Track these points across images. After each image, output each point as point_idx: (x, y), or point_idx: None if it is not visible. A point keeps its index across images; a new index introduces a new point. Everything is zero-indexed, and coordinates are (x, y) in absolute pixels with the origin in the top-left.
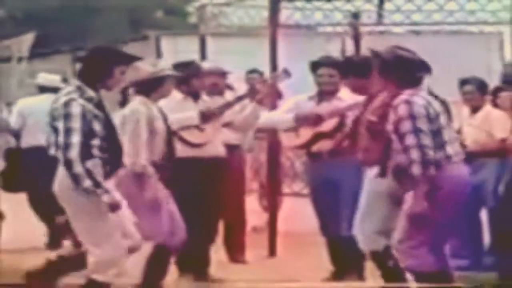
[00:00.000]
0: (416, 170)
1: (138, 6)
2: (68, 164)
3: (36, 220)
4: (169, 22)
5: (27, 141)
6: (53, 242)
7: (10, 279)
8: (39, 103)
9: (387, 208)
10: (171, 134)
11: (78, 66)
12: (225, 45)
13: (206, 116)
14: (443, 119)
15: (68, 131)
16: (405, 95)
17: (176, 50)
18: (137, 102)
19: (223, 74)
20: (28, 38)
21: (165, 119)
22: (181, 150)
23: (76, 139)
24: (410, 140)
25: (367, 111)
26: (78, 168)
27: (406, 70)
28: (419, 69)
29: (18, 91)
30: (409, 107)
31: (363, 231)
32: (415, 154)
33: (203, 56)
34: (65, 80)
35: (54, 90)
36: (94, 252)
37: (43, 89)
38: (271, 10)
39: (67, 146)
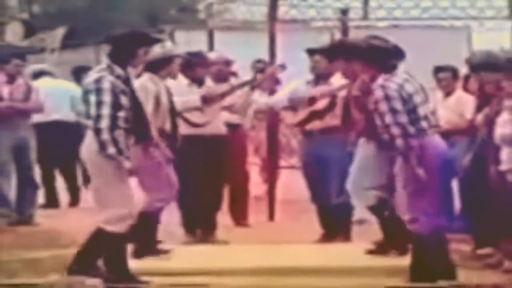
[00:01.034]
0: (399, 143)
1: (154, 4)
2: (97, 133)
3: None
4: (182, 18)
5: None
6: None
7: (48, 238)
8: (41, 87)
9: (375, 168)
10: (174, 110)
11: (106, 47)
12: (230, 38)
13: (207, 99)
14: (416, 99)
15: (99, 104)
16: (380, 80)
17: (188, 42)
18: (145, 78)
19: (227, 62)
20: (60, 32)
21: (169, 95)
22: (185, 129)
23: (105, 111)
24: (388, 119)
25: (353, 88)
26: (106, 137)
27: (380, 57)
28: (392, 56)
29: None
30: (384, 90)
31: (357, 191)
32: (395, 130)
33: (211, 47)
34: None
35: (47, 74)
36: (107, 210)
37: (36, 75)
38: (270, 7)
39: (97, 117)
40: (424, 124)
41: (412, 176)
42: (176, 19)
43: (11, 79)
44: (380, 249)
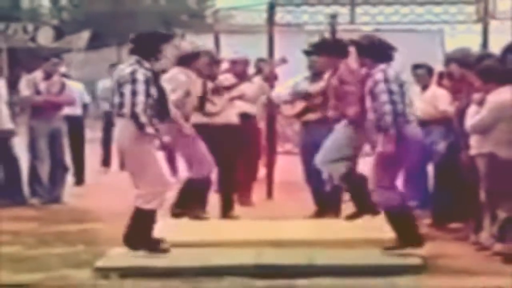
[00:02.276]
0: (388, 119)
1: (168, 11)
2: (135, 117)
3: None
4: (191, 23)
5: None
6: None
7: (75, 215)
8: None
9: (344, 144)
10: (205, 95)
11: (132, 45)
12: (234, 40)
13: (215, 90)
14: (405, 88)
15: (134, 93)
16: (381, 66)
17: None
18: (177, 71)
19: (246, 62)
20: (84, 35)
21: (203, 82)
22: (200, 118)
23: (140, 98)
24: (384, 97)
25: (332, 79)
26: (143, 119)
27: (379, 49)
28: (388, 48)
29: (76, 74)
30: (384, 73)
31: (327, 163)
32: (387, 107)
33: (217, 48)
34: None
35: (63, 75)
36: (144, 188)
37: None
38: (268, 13)
39: (134, 104)
40: (408, 110)
41: (385, 152)
42: (186, 23)
43: (47, 76)
44: (355, 215)
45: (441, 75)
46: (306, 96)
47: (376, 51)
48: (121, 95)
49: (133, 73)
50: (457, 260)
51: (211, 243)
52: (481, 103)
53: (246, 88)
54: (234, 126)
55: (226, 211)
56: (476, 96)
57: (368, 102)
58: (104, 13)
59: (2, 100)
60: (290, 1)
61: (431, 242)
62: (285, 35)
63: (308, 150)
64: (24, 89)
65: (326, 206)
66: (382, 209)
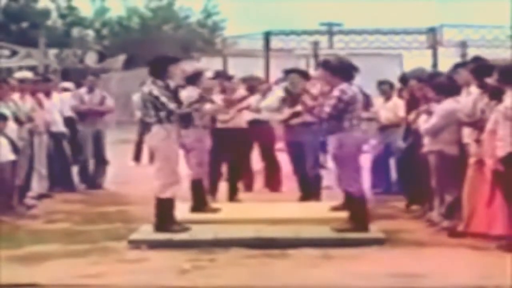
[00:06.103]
0: (346, 124)
1: (186, 39)
2: (161, 122)
3: (131, 163)
4: (205, 48)
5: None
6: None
7: (114, 198)
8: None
9: None
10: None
11: (148, 68)
12: (238, 62)
13: (228, 102)
14: (358, 105)
15: (155, 106)
16: (342, 85)
17: (209, 65)
18: (189, 89)
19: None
20: (121, 58)
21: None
22: (216, 124)
23: (160, 109)
24: (330, 109)
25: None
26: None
27: (345, 69)
28: (352, 68)
29: (115, 89)
30: (341, 92)
31: None
32: (348, 116)
33: (225, 68)
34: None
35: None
36: (164, 180)
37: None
38: (265, 40)
39: (156, 114)
40: (354, 122)
41: (345, 156)
42: (201, 49)
43: (90, 90)
44: (339, 208)
45: (400, 89)
46: (291, 101)
47: (344, 70)
48: (146, 108)
49: (150, 92)
50: (413, 234)
51: (221, 220)
52: (428, 112)
53: (252, 100)
54: (242, 129)
55: (232, 196)
56: (422, 108)
57: (324, 111)
58: (136, 40)
59: (57, 110)
60: (282, 31)
61: (393, 220)
62: (278, 58)
63: (293, 148)
64: (72, 101)
65: (309, 192)
66: (346, 194)
